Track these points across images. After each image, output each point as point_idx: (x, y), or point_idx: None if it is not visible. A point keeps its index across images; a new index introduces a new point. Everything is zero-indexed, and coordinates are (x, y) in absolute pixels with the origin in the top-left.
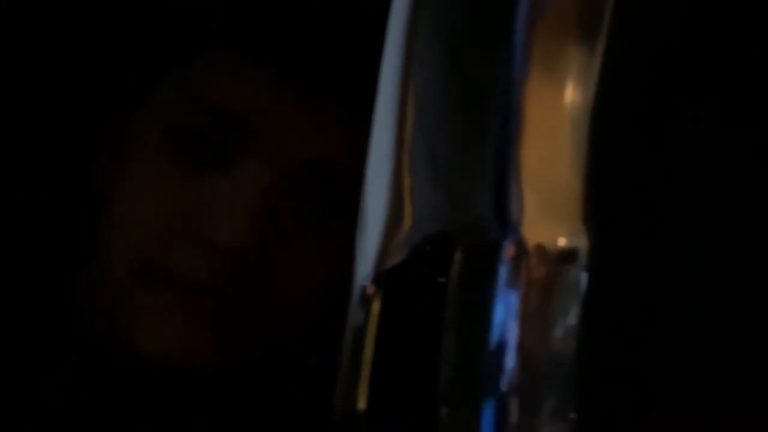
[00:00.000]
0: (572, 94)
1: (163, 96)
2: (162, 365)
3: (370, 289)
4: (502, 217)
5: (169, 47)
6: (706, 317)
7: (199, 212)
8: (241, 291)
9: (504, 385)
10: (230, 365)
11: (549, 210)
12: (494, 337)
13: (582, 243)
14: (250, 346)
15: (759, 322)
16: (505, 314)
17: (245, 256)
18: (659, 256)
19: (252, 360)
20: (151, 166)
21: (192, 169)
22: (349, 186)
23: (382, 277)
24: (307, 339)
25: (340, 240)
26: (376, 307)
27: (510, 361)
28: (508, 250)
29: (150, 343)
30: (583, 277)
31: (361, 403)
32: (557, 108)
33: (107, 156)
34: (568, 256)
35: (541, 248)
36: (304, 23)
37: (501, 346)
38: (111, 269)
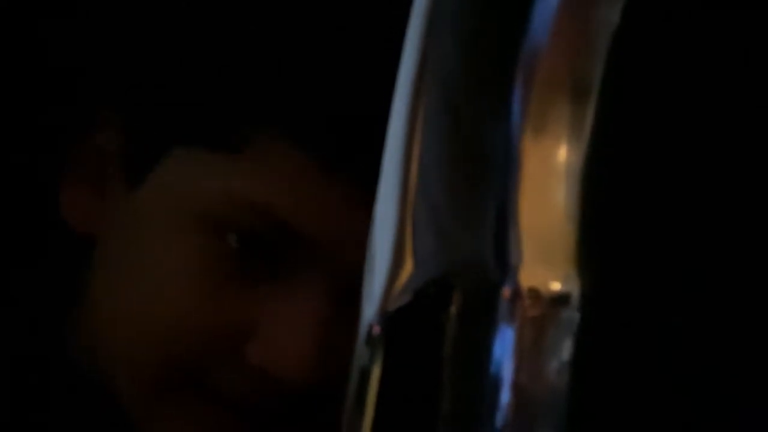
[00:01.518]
0: (566, 150)
1: (191, 170)
2: None
3: (376, 329)
4: (501, 262)
5: (200, 116)
6: (703, 355)
7: (249, 328)
8: (293, 406)
9: (499, 421)
10: None
11: (544, 256)
12: (491, 374)
13: (574, 287)
14: None
15: (761, 369)
16: (501, 353)
17: (294, 379)
18: (651, 298)
19: None
20: (181, 256)
21: (236, 272)
22: None
23: (387, 317)
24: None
25: None
26: (381, 347)
27: (505, 396)
28: (504, 292)
29: None
30: (576, 317)
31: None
32: (552, 162)
33: (97, 204)
34: (560, 299)
35: (534, 291)
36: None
37: (497, 383)
38: (127, 366)
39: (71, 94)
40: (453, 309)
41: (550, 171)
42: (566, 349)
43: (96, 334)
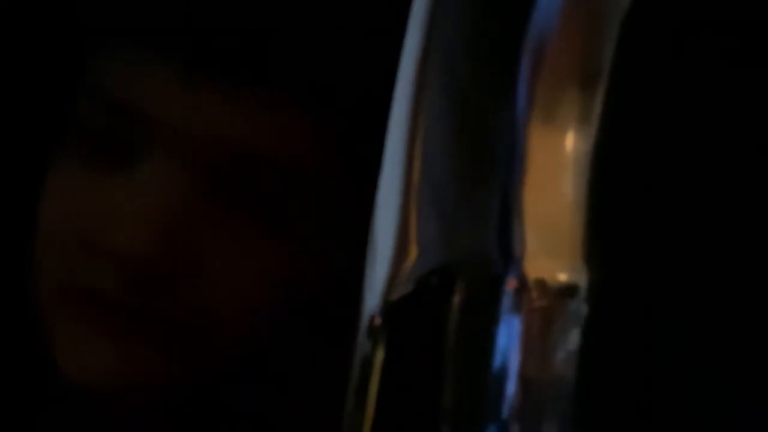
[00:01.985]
0: (573, 139)
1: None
2: (88, 386)
3: (378, 321)
4: (505, 253)
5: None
6: (710, 347)
7: (99, 219)
8: (159, 304)
9: (505, 411)
10: (165, 386)
11: (550, 247)
12: (496, 363)
13: (582, 278)
14: (184, 364)
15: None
16: (507, 342)
17: (155, 265)
18: (660, 289)
19: (191, 378)
20: (59, 170)
21: (93, 173)
22: (284, 177)
23: (388, 308)
24: (251, 353)
25: (277, 240)
26: (383, 338)
27: (511, 386)
28: (510, 283)
29: (69, 363)
30: (584, 308)
31: (370, 423)
32: (559, 152)
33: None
34: (568, 290)
35: (541, 282)
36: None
37: (503, 372)
38: (33, 280)
39: None
40: (456, 300)
41: (557, 160)
42: (573, 340)
43: None
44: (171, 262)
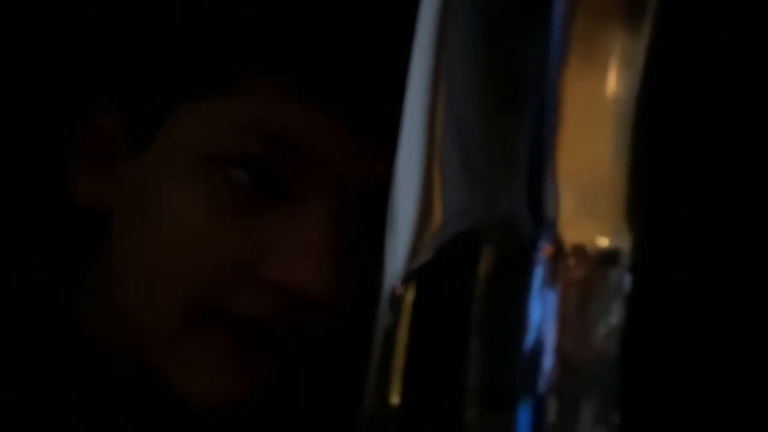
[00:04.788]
0: (616, 81)
1: (193, 120)
2: (204, 409)
3: (399, 289)
4: (537, 215)
5: (193, 71)
6: (758, 322)
7: (264, 250)
8: (297, 324)
9: (542, 385)
10: (267, 400)
11: (588, 207)
12: (530, 337)
13: (625, 243)
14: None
15: None
16: (542, 314)
17: (316, 296)
18: (709, 255)
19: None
20: (193, 198)
21: (248, 203)
22: None
23: (411, 276)
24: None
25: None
26: (406, 307)
27: (548, 361)
28: (545, 250)
29: (198, 389)
30: (627, 278)
31: (395, 398)
32: (599, 96)
33: (104, 175)
34: (609, 257)
35: (579, 249)
36: (346, 47)
37: (538, 346)
38: (149, 310)
39: (70, 81)
40: (482, 268)
41: (597, 106)
42: (615, 313)
43: (112, 294)
44: (329, 293)
